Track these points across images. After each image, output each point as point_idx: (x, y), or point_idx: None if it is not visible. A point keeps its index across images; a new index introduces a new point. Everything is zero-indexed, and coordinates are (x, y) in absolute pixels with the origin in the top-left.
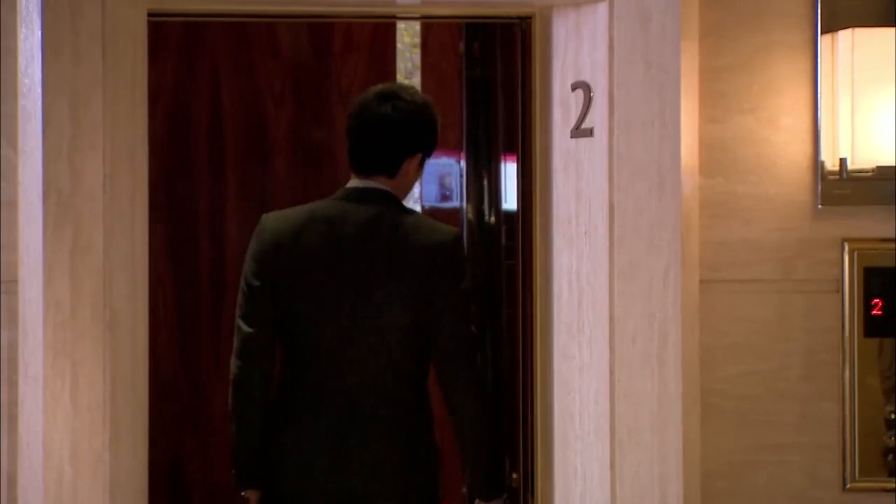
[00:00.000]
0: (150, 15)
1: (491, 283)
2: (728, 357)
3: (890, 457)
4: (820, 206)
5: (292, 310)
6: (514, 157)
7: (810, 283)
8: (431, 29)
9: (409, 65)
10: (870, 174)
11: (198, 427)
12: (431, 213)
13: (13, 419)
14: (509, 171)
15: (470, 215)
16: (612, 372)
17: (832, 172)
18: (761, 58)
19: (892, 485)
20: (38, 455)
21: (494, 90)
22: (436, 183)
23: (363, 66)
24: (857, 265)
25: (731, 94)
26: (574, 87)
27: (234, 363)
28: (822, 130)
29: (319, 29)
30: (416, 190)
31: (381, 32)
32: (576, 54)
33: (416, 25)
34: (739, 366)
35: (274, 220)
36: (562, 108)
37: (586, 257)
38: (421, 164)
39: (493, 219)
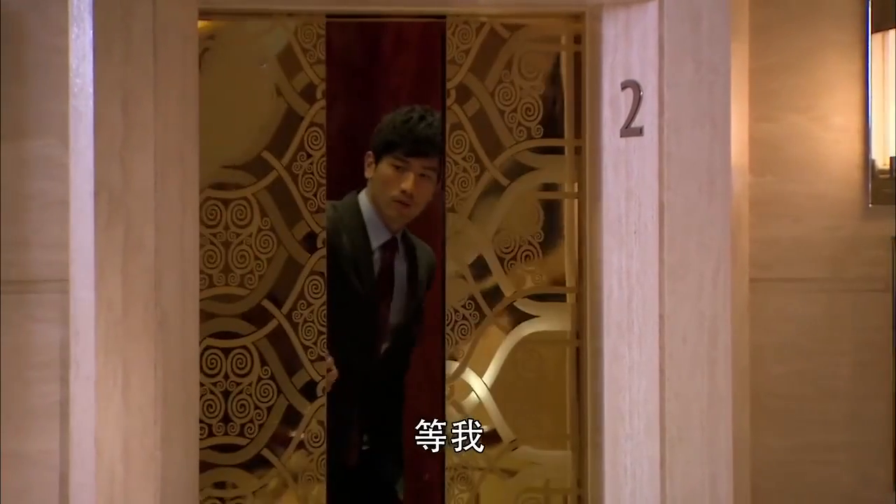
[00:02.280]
0: (200, 14)
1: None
2: (777, 356)
3: None
4: (870, 205)
5: None
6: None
7: (860, 282)
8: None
9: None
10: None
11: None
12: None
13: (65, 418)
14: None
15: None
16: (662, 371)
17: (883, 171)
18: (812, 57)
19: None
20: (90, 454)
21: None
22: None
23: (412, 66)
24: None
25: (781, 93)
26: (624, 86)
27: None
28: (873, 129)
29: (369, 28)
30: None
31: (431, 32)
32: (626, 53)
33: None
34: (789, 365)
35: None
36: (611, 107)
37: (636, 256)
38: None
39: None
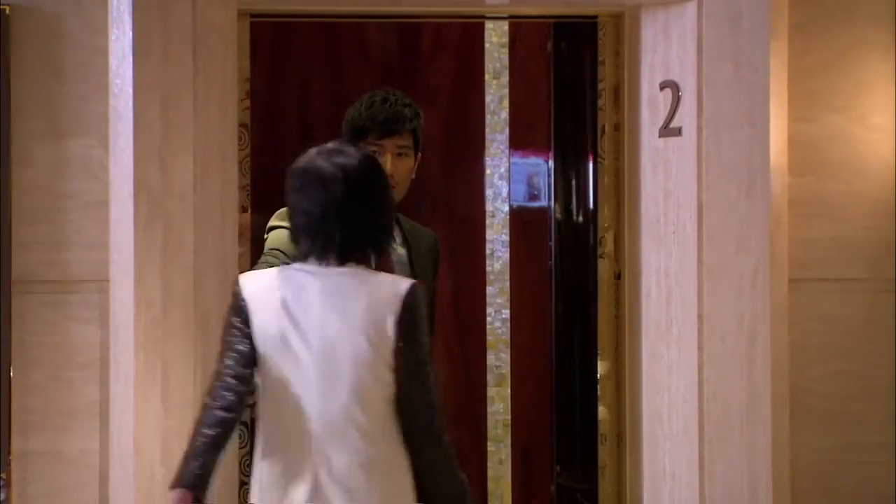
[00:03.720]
0: (240, 15)
1: (579, 282)
2: (817, 356)
3: None
4: None
5: None
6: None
7: None
8: (520, 28)
9: (498, 64)
10: None
11: None
12: (519, 212)
13: (105, 418)
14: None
15: (558, 214)
16: (700, 371)
17: None
18: (851, 56)
19: None
20: (130, 453)
21: (582, 89)
22: (524, 182)
23: (451, 66)
24: None
25: (820, 93)
26: (662, 87)
27: None
28: None
29: (408, 29)
30: (503, 189)
31: (470, 32)
32: (664, 53)
33: (505, 25)
34: (828, 365)
35: None
36: (650, 108)
37: (675, 256)
38: None
39: (580, 218)
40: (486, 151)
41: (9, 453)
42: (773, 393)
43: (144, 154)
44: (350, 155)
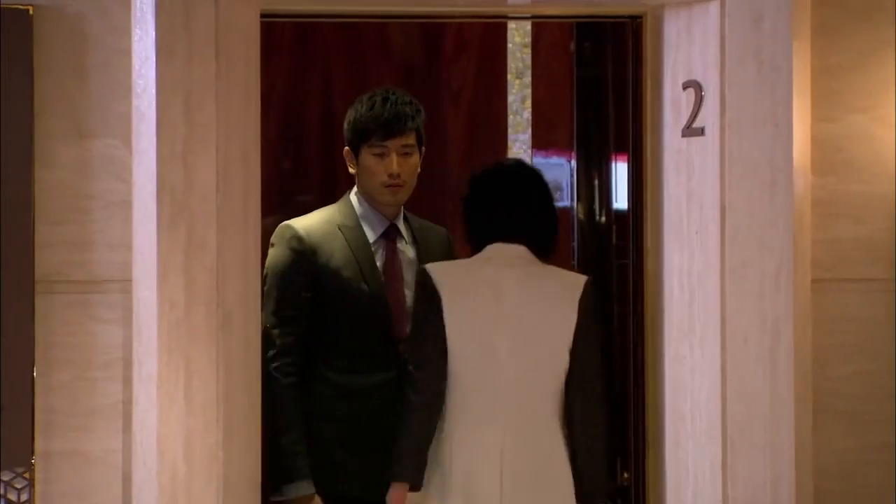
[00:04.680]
0: (262, 16)
1: (602, 282)
2: (840, 356)
3: None
4: None
5: None
6: (625, 157)
7: None
8: (542, 28)
9: (520, 64)
10: None
11: None
12: None
13: (128, 418)
14: (620, 171)
15: (581, 215)
16: (723, 372)
17: None
18: (874, 56)
19: None
20: (153, 453)
21: (605, 89)
22: None
23: (474, 66)
24: None
25: (843, 93)
26: (685, 86)
27: None
28: None
29: (430, 29)
30: None
31: (492, 32)
32: (687, 53)
33: (527, 25)
34: (851, 365)
35: None
36: (673, 108)
37: (697, 257)
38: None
39: (603, 218)
40: (509, 151)
41: (32, 453)
42: (796, 393)
43: (167, 154)
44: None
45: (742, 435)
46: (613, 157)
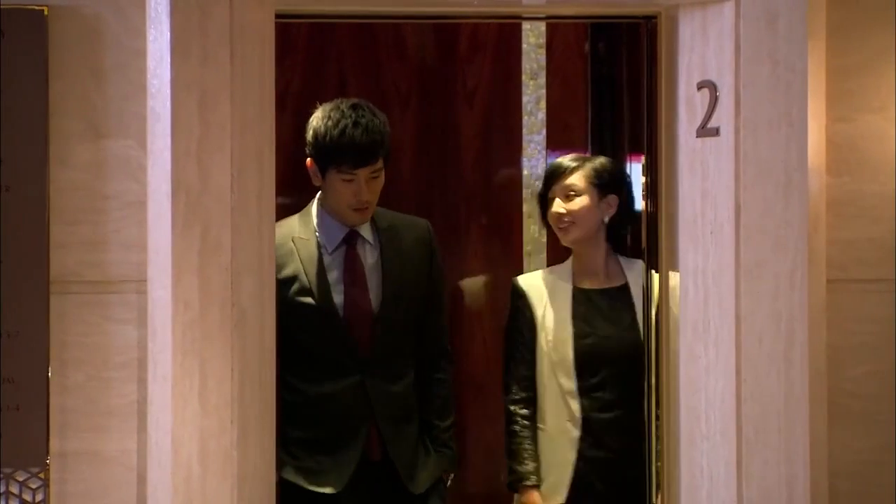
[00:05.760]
0: (277, 16)
1: None
2: (855, 357)
3: None
4: None
5: None
6: (640, 157)
7: None
8: (557, 29)
9: (535, 65)
10: None
11: None
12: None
13: (143, 418)
14: (635, 171)
15: None
16: (738, 372)
17: None
18: (889, 57)
19: None
20: (167, 453)
21: (620, 90)
22: None
23: (488, 67)
24: None
25: (859, 93)
26: (700, 87)
27: None
28: None
29: (445, 30)
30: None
31: (507, 33)
32: (702, 53)
33: (542, 26)
34: (866, 365)
35: None
36: (687, 108)
37: (712, 257)
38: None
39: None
40: (524, 152)
41: (47, 453)
42: (810, 393)
43: (182, 154)
44: None
45: (757, 434)
46: (628, 157)
